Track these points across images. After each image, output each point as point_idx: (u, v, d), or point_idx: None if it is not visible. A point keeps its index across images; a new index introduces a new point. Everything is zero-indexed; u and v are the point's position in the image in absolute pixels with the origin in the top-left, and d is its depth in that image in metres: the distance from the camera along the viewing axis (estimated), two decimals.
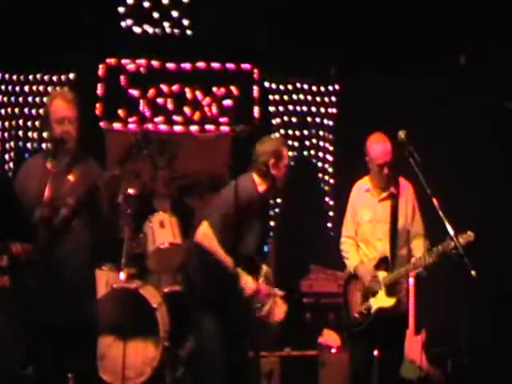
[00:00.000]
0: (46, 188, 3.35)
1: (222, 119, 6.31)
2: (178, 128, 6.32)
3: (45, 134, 6.09)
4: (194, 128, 6.32)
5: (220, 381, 3.75)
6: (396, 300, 4.00)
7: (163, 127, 6.30)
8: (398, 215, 4.10)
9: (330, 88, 6.42)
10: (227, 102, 6.33)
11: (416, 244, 4.12)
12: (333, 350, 4.94)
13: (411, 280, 4.85)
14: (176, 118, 6.32)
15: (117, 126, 6.27)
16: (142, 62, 6.33)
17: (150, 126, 6.23)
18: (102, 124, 6.26)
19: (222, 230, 3.78)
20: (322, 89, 6.42)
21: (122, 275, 5.11)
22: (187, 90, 6.34)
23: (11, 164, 6.25)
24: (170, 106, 6.30)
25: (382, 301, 3.99)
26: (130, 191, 5.05)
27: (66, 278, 3.36)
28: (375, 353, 4.22)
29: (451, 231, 3.59)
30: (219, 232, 3.78)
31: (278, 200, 6.15)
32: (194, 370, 4.59)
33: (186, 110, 6.32)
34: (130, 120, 6.26)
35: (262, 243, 4.11)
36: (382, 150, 4.09)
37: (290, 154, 6.42)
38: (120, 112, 6.26)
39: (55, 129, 3.39)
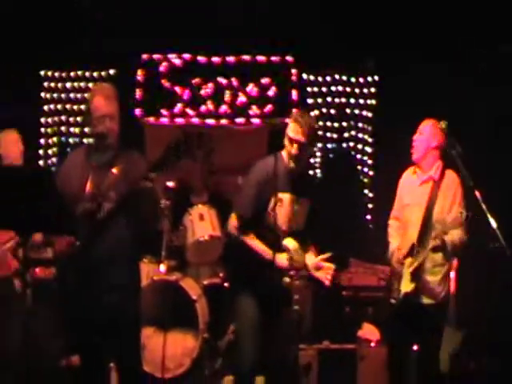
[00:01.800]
0: (88, 182, 3.39)
1: (260, 112, 6.30)
2: (215, 122, 6.35)
3: (86, 129, 6.29)
4: (231, 121, 6.34)
5: (253, 367, 3.73)
6: (415, 286, 3.96)
7: (201, 121, 6.34)
8: (435, 202, 4.00)
9: (369, 79, 6.36)
10: (265, 95, 6.32)
11: (450, 235, 3.94)
12: (372, 344, 4.90)
13: (452, 274, 4.79)
14: (214, 111, 6.35)
15: (155, 120, 6.34)
16: (179, 56, 6.38)
17: (188, 119, 6.27)
18: (140, 119, 6.33)
19: (250, 214, 3.75)
20: (361, 80, 6.36)
21: (162, 267, 5.16)
22: (225, 84, 6.36)
23: (54, 159, 6.40)
24: (207, 99, 6.33)
25: (405, 286, 3.99)
26: (169, 184, 5.09)
27: (108, 272, 3.39)
28: (414, 347, 4.19)
29: (494, 224, 3.53)
30: (248, 218, 3.75)
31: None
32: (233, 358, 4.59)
33: (224, 103, 6.34)
34: (164, 114, 6.31)
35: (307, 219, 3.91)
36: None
37: (329, 146, 6.45)
38: (158, 106, 6.33)
39: (97, 125, 3.42)
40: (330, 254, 3.85)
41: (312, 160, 6.23)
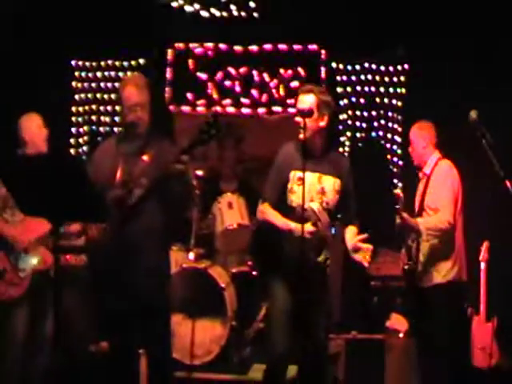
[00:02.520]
0: (119, 170, 3.43)
1: (290, 101, 6.29)
2: (245, 110, 6.35)
3: (117, 119, 6.35)
4: (261, 110, 6.33)
5: (284, 354, 3.72)
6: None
7: (230, 110, 6.35)
8: (425, 194, 4.31)
9: (399, 68, 6.29)
10: (294, 84, 6.31)
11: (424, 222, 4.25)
12: (400, 335, 4.88)
13: (483, 265, 4.76)
14: (243, 100, 6.36)
15: (185, 109, 6.37)
16: (209, 45, 6.39)
17: (217, 108, 6.29)
18: (171, 108, 6.37)
19: (275, 198, 3.73)
20: (391, 69, 6.30)
21: (191, 255, 5.21)
22: (254, 73, 6.35)
23: (85, 148, 6.47)
24: (237, 88, 6.34)
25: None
26: (199, 173, 5.13)
27: (140, 258, 3.42)
28: None
29: None
30: (275, 203, 3.74)
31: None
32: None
33: (253, 92, 6.34)
34: (198, 103, 6.34)
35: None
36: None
37: (358, 135, 6.40)
38: (188, 95, 6.36)
39: (128, 115, 3.45)
40: (367, 234, 3.75)
41: (341, 149, 6.20)
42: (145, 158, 3.47)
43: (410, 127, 6.10)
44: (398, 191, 4.22)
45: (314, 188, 3.73)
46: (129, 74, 6.23)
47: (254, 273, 5.40)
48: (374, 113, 6.30)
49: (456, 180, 4.35)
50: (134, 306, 3.38)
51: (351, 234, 3.79)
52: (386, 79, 6.29)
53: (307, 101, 3.70)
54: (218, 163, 5.73)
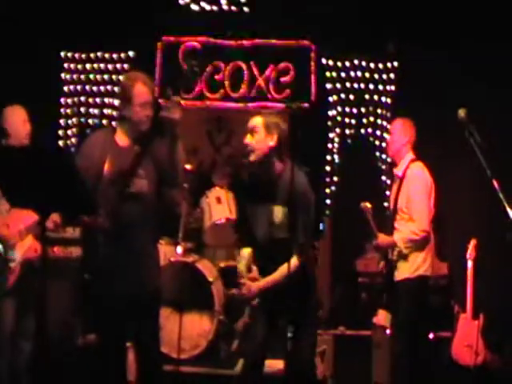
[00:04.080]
0: (112, 162, 3.42)
1: (279, 96, 6.30)
2: (235, 105, 6.36)
3: (106, 111, 6.32)
4: (251, 105, 6.34)
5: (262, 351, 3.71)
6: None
7: (221, 104, 6.35)
8: (397, 197, 4.34)
9: (389, 65, 6.31)
10: (284, 79, 6.32)
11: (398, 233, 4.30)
12: (387, 331, 4.91)
13: (470, 263, 4.81)
14: (233, 94, 6.35)
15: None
16: (199, 39, 6.38)
17: (207, 102, 6.29)
18: (160, 101, 6.34)
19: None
20: (381, 66, 6.31)
21: (179, 249, 5.22)
22: (244, 67, 6.35)
23: (73, 139, 6.44)
24: (226, 82, 6.34)
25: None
26: (187, 167, 5.13)
27: (137, 246, 3.43)
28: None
29: None
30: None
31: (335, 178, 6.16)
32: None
33: (243, 86, 6.34)
34: (187, 97, 6.33)
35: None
36: None
37: (347, 131, 6.42)
38: (177, 89, 6.33)
39: (138, 112, 3.43)
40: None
41: (330, 145, 6.23)
42: (136, 148, 3.48)
43: None
44: (365, 204, 4.15)
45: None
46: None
47: None
48: (363, 109, 6.32)
49: (428, 181, 4.36)
50: (131, 293, 3.37)
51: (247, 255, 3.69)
52: (376, 76, 6.31)
53: (252, 122, 3.63)
54: (208, 158, 5.73)
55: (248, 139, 3.61)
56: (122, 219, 3.35)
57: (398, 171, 4.42)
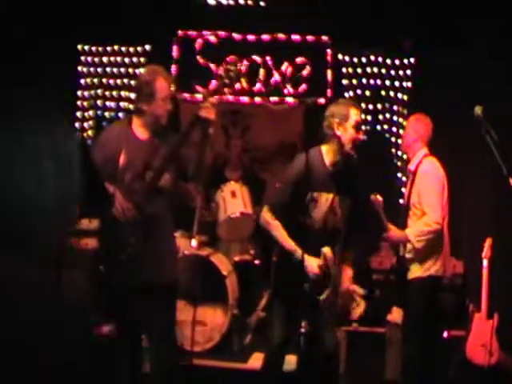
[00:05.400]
0: (134, 154, 3.44)
1: (295, 91, 6.29)
2: (251, 99, 6.36)
3: (122, 104, 6.35)
4: (267, 100, 6.34)
5: (283, 343, 3.74)
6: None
7: (235, 98, 6.35)
8: (411, 191, 4.30)
9: (405, 61, 6.29)
10: (301, 74, 6.31)
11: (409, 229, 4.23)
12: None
13: (485, 262, 4.78)
14: (249, 89, 6.36)
15: (190, 96, 6.37)
16: (216, 33, 6.38)
17: (222, 97, 6.29)
18: (176, 97, 6.36)
19: (281, 208, 3.67)
20: (397, 62, 6.29)
21: (194, 242, 5.21)
22: (261, 62, 6.35)
23: (90, 132, 6.48)
24: (243, 77, 6.34)
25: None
26: None
27: (161, 238, 3.46)
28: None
29: None
30: (280, 212, 3.68)
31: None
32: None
33: (259, 81, 6.34)
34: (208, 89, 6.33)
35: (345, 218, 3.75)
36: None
37: (363, 128, 6.37)
38: (193, 83, 6.35)
39: (160, 106, 3.47)
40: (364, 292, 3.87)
41: None
42: (156, 142, 3.51)
43: None
44: (376, 196, 4.04)
45: (327, 209, 3.69)
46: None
47: (257, 261, 5.42)
48: (379, 106, 6.30)
49: (441, 176, 4.32)
50: (148, 287, 3.39)
51: (345, 277, 3.83)
52: (392, 72, 6.29)
53: (359, 115, 3.76)
54: (224, 151, 5.73)
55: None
56: (148, 212, 3.38)
57: (410, 166, 4.41)
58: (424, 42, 6.01)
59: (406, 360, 4.25)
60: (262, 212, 3.79)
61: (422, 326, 4.19)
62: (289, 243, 3.65)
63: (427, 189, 4.22)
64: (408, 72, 6.28)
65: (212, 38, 6.36)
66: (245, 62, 6.31)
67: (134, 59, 6.44)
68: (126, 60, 6.43)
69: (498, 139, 3.67)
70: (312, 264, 3.61)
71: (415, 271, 4.23)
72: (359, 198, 3.84)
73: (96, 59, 6.47)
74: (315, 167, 3.63)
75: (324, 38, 6.31)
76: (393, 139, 6.28)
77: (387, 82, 6.31)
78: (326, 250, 3.67)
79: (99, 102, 6.48)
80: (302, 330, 3.50)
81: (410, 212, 4.31)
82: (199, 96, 6.24)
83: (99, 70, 6.47)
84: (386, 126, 6.31)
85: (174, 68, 6.36)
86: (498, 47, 5.69)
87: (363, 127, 4.00)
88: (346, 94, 6.30)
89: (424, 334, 4.20)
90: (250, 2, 6.35)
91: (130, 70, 6.43)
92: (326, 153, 3.73)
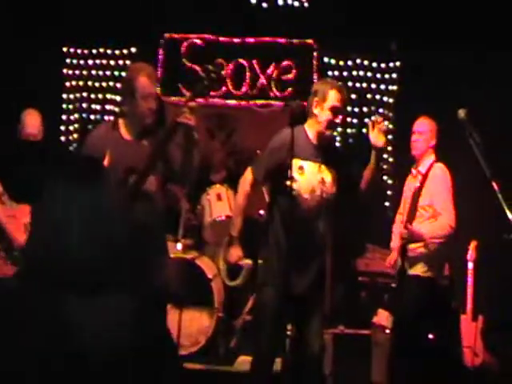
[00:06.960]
0: (122, 157, 3.39)
1: (281, 94, 6.30)
2: (236, 102, 6.36)
3: (108, 107, 6.32)
4: (252, 102, 6.34)
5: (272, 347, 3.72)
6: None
7: (222, 101, 6.35)
8: (420, 193, 4.34)
9: (391, 65, 6.31)
10: (286, 77, 6.31)
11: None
12: (387, 331, 4.91)
13: (470, 264, 4.81)
14: (235, 92, 6.35)
15: (176, 99, 6.35)
16: (202, 36, 6.38)
17: (208, 99, 6.28)
18: (162, 97, 6.34)
19: (266, 173, 3.70)
20: (383, 65, 6.32)
21: (179, 246, 5.21)
22: (246, 65, 6.35)
23: (75, 135, 6.44)
24: (228, 80, 6.34)
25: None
26: None
27: (151, 241, 3.41)
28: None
29: (511, 216, 3.52)
30: (263, 176, 3.72)
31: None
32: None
33: (245, 84, 6.34)
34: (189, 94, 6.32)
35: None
36: None
37: (349, 131, 6.41)
38: (179, 86, 6.34)
39: (141, 105, 3.39)
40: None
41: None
42: (145, 143, 3.47)
43: (401, 124, 6.19)
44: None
45: (315, 178, 3.70)
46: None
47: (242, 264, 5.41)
48: (365, 109, 6.32)
49: (451, 183, 4.42)
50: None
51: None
52: (378, 76, 6.31)
53: (339, 99, 3.70)
54: (209, 154, 5.72)
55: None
56: (134, 218, 3.32)
57: (421, 168, 4.45)
58: (410, 46, 6.03)
59: (391, 360, 4.27)
60: (245, 172, 3.80)
61: (410, 326, 4.22)
62: (235, 220, 3.81)
63: (443, 192, 4.31)
64: (394, 75, 6.30)
65: (198, 41, 6.34)
66: (230, 65, 6.31)
67: (120, 62, 6.41)
68: (112, 62, 6.40)
69: (481, 142, 3.70)
70: (233, 253, 3.75)
71: (416, 269, 4.24)
72: (348, 172, 3.85)
73: (81, 61, 6.43)
74: (300, 139, 3.64)
75: (310, 41, 6.31)
76: None
77: (373, 85, 6.32)
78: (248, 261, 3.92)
79: (84, 105, 6.44)
80: (288, 332, 3.49)
81: (418, 213, 4.31)
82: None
83: (84, 72, 6.43)
84: None
85: (159, 71, 6.33)
86: (483, 50, 5.73)
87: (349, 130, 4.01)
88: None
89: (412, 335, 4.22)
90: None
91: (116, 73, 6.40)
92: (308, 127, 3.75)
